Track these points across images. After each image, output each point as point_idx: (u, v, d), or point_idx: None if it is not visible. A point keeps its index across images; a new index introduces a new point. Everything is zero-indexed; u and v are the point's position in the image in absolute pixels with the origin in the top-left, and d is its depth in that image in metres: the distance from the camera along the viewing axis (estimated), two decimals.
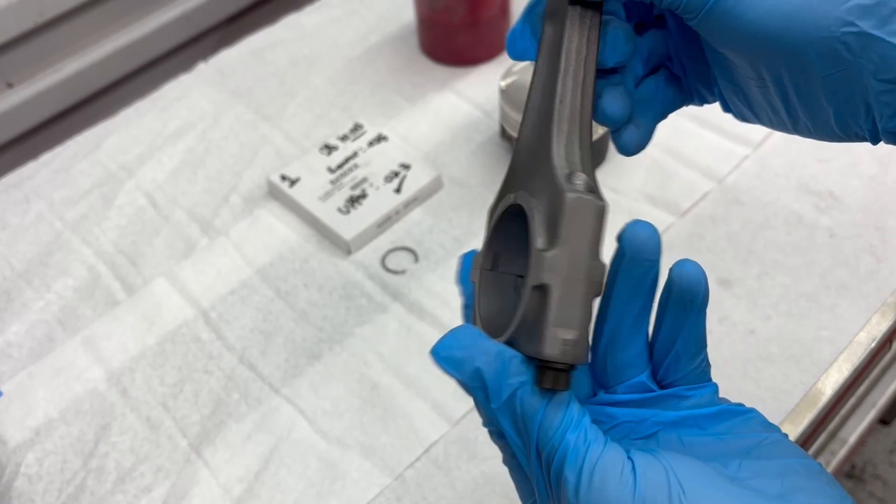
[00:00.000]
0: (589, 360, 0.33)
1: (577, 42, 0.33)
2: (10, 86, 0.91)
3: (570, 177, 0.30)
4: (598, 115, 0.36)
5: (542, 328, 0.28)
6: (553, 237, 0.29)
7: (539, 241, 0.30)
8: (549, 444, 0.29)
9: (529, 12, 0.36)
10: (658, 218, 0.70)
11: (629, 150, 0.37)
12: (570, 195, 0.29)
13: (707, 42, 0.35)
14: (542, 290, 0.29)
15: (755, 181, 0.72)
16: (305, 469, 0.59)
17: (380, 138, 0.76)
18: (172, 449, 0.60)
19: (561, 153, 0.31)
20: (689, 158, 0.74)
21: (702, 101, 0.38)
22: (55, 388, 0.64)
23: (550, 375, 0.29)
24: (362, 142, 0.76)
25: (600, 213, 0.29)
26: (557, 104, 0.32)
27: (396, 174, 0.73)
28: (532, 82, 0.34)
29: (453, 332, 0.31)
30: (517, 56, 0.36)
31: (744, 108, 0.36)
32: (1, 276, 0.72)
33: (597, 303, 0.32)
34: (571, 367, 0.29)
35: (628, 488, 0.28)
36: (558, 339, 0.28)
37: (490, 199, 0.76)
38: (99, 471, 0.60)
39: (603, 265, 0.30)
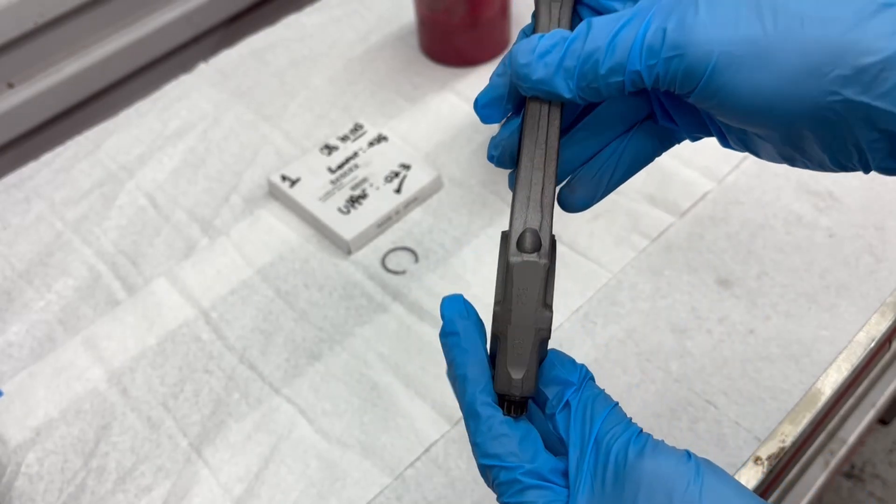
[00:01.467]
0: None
1: (538, 117, 0.36)
2: (10, 86, 0.91)
3: (521, 238, 0.35)
4: (563, 203, 0.39)
5: (496, 369, 0.35)
6: (502, 295, 0.35)
7: (497, 296, 0.36)
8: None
9: (493, 89, 0.37)
10: (658, 218, 0.70)
11: (576, 209, 0.39)
12: (512, 259, 0.35)
13: None
14: (496, 338, 0.35)
15: (755, 181, 0.72)
16: (306, 469, 0.59)
17: (380, 138, 0.76)
18: (173, 448, 0.60)
19: (520, 215, 0.36)
20: (688, 158, 0.74)
21: (694, 139, 0.39)
22: (56, 387, 0.64)
23: (507, 405, 0.35)
24: (362, 142, 0.76)
25: (539, 272, 0.35)
26: (522, 172, 0.36)
27: (396, 174, 0.73)
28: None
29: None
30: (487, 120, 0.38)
31: (742, 147, 0.37)
32: (2, 276, 0.72)
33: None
34: (525, 397, 0.35)
35: None
36: (507, 378, 0.35)
37: (490, 199, 0.76)
38: (99, 470, 0.60)
39: (547, 315, 0.35)
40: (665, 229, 0.70)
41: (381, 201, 0.72)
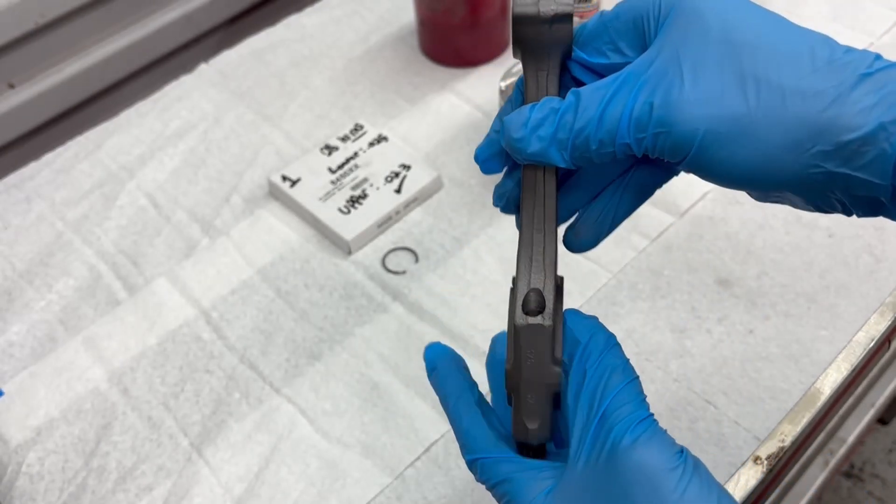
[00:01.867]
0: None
1: (534, 180, 0.37)
2: (11, 86, 0.91)
3: (526, 299, 0.36)
4: (568, 245, 0.40)
5: (513, 420, 0.37)
6: (511, 355, 0.36)
7: (508, 354, 0.37)
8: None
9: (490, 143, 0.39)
10: (658, 218, 0.70)
11: (582, 250, 0.41)
12: (518, 323, 0.36)
13: None
14: (510, 395, 0.37)
15: None
16: (306, 468, 0.59)
17: (380, 139, 0.77)
18: (173, 448, 0.61)
19: (524, 275, 0.37)
20: None
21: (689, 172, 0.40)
22: (56, 387, 0.64)
23: (525, 449, 0.38)
24: (363, 142, 0.76)
25: (545, 333, 0.36)
26: (523, 232, 0.37)
27: (397, 174, 0.74)
28: None
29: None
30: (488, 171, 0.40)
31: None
32: (2, 276, 0.72)
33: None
34: (541, 444, 0.37)
35: None
36: (524, 428, 0.37)
37: (490, 199, 0.76)
38: (100, 470, 0.60)
39: (556, 370, 0.36)
40: (665, 229, 0.70)
41: (381, 201, 0.72)
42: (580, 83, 0.38)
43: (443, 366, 0.40)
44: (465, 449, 0.38)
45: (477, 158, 0.38)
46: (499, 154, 0.38)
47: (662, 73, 0.33)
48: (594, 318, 0.37)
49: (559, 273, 0.37)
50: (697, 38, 0.33)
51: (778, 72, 0.31)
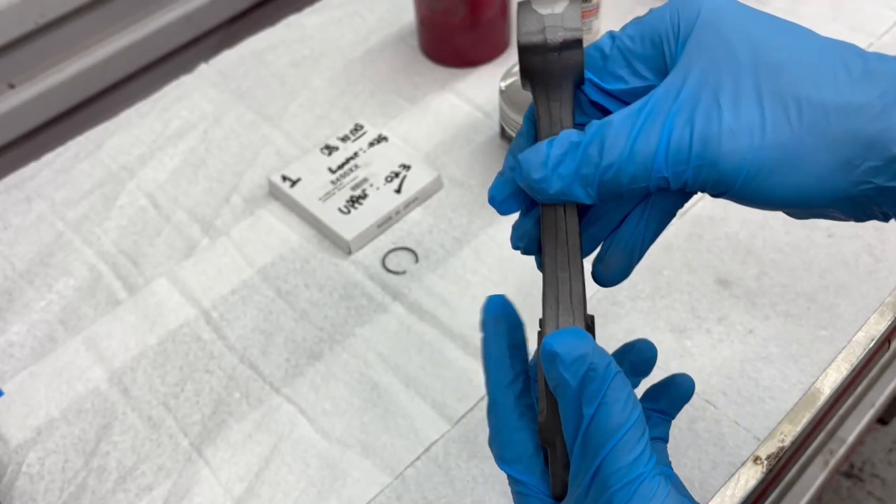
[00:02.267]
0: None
1: (555, 218, 0.35)
2: (11, 86, 0.91)
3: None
4: (598, 279, 0.38)
5: (551, 474, 0.35)
6: (544, 405, 0.34)
7: (541, 404, 0.35)
8: None
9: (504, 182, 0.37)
10: None
11: (613, 283, 0.39)
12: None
13: None
14: (544, 448, 0.35)
15: None
16: (306, 468, 0.59)
17: (380, 139, 0.77)
18: (174, 448, 0.61)
19: (551, 318, 0.35)
20: None
21: None
22: (56, 387, 0.64)
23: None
24: (363, 142, 0.76)
25: None
26: (547, 273, 0.35)
27: (397, 174, 0.74)
28: None
29: None
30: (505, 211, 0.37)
31: None
32: (2, 276, 0.72)
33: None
34: None
35: None
36: (563, 484, 0.35)
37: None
38: (100, 470, 0.60)
39: None
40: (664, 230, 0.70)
41: (381, 201, 0.72)
42: (598, 109, 0.36)
43: (493, 338, 0.36)
44: (499, 457, 0.36)
45: (492, 201, 0.36)
46: (515, 193, 0.35)
47: (695, 101, 0.31)
48: (587, 339, 0.33)
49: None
50: (726, 61, 0.31)
51: (817, 89, 0.30)
